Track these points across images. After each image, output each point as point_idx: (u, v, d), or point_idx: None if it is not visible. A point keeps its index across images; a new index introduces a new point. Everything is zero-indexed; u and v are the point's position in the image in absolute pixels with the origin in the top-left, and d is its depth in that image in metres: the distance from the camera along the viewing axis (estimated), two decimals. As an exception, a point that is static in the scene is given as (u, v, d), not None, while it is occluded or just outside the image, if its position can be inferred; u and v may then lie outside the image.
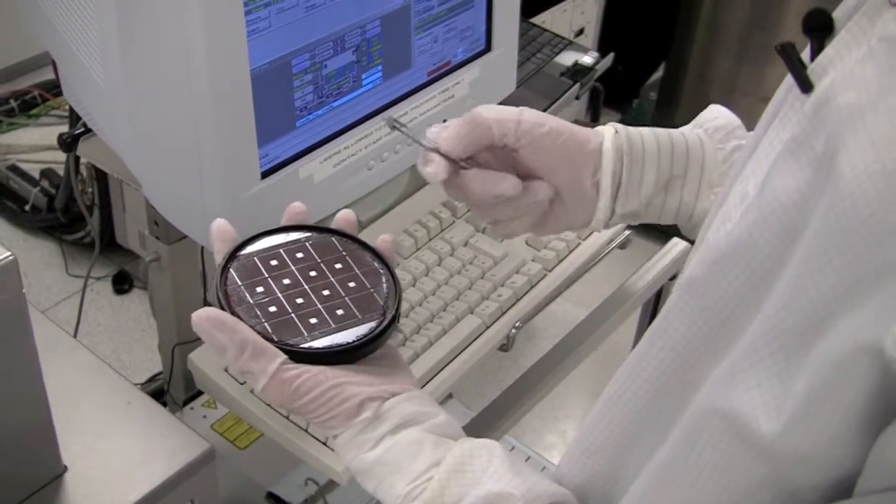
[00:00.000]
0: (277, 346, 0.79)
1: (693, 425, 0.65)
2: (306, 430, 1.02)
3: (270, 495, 1.30)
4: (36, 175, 2.39)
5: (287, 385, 0.78)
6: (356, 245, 0.89)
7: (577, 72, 1.68)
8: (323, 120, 1.14)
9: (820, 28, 0.64)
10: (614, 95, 2.34)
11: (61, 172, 2.29)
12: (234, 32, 0.99)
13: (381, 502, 0.79)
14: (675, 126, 0.98)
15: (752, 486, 0.61)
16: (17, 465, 0.88)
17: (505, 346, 1.15)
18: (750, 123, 0.85)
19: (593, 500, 0.79)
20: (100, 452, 0.94)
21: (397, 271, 1.16)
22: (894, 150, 0.53)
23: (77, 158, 1.73)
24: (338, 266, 0.87)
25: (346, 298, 0.84)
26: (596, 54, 1.73)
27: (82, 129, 1.30)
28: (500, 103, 1.00)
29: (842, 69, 0.60)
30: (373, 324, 0.83)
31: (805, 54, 0.64)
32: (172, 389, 1.41)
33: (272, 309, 0.82)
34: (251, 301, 0.82)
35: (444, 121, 0.93)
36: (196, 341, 1.27)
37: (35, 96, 2.55)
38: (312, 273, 0.86)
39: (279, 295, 0.83)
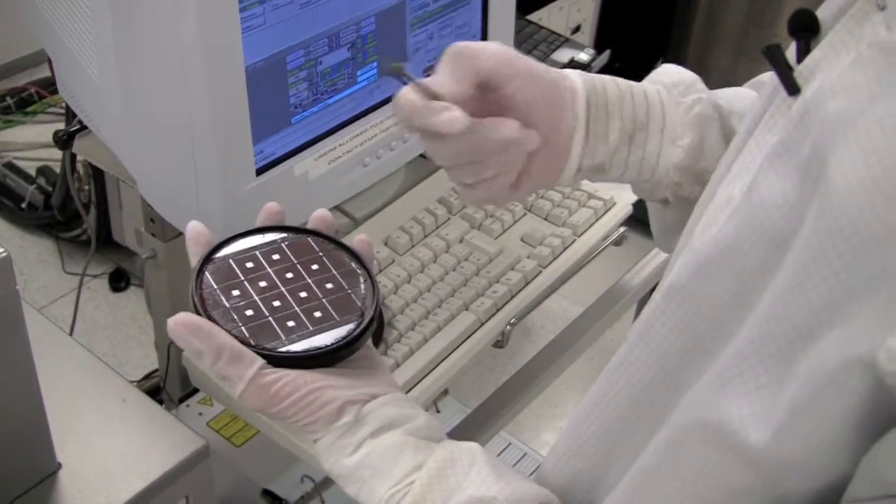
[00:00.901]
0: (255, 351, 0.78)
1: (679, 431, 0.65)
2: (300, 428, 1.02)
3: (266, 492, 1.31)
4: (32, 172, 2.38)
5: (265, 390, 0.77)
6: (333, 245, 0.88)
7: (573, 69, 1.68)
8: (318, 117, 1.14)
9: (806, 29, 0.63)
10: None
11: (58, 170, 2.29)
12: (228, 29, 0.99)
13: None
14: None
15: (738, 493, 0.61)
16: (11, 462, 0.88)
17: (500, 343, 1.15)
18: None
19: (576, 500, 0.79)
20: (94, 450, 0.94)
21: (393, 268, 1.16)
22: (886, 160, 0.53)
23: (73, 156, 1.74)
24: (314, 267, 0.86)
25: (324, 300, 0.83)
26: (592, 51, 1.72)
27: (78, 127, 1.30)
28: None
29: (829, 73, 0.59)
30: (351, 326, 0.82)
31: (790, 53, 0.64)
32: (169, 387, 1.41)
33: (249, 312, 0.81)
34: (227, 305, 0.81)
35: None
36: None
37: (32, 93, 2.54)
38: (289, 275, 0.85)
39: (255, 298, 0.82)
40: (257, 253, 0.86)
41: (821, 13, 0.63)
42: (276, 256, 0.86)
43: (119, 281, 2.36)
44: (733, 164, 0.68)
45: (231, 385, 0.78)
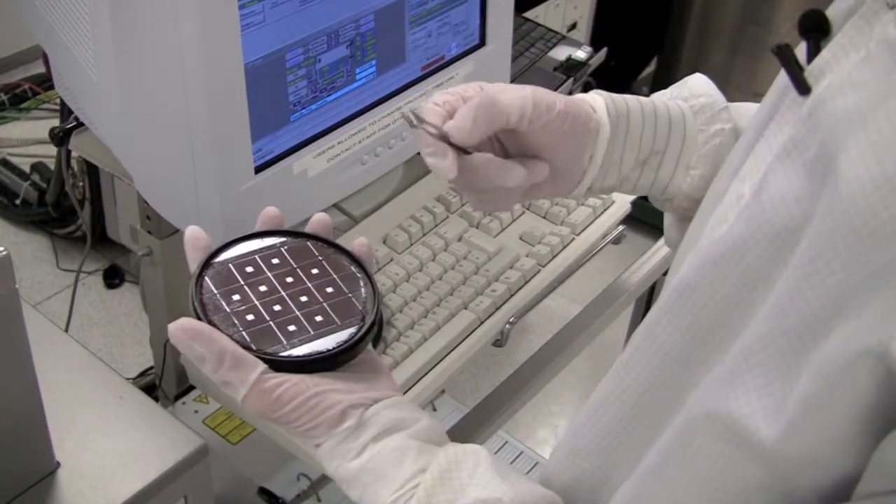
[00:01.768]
0: (256, 356, 0.77)
1: (687, 427, 0.65)
2: (299, 427, 1.02)
3: (262, 490, 1.30)
4: (26, 169, 2.38)
5: (268, 395, 0.76)
6: (332, 249, 0.88)
7: (570, 66, 1.68)
8: (317, 115, 1.13)
9: (816, 29, 0.63)
10: (607, 89, 2.33)
11: (52, 166, 2.28)
12: (228, 27, 0.99)
13: None
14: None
15: (747, 489, 0.61)
16: (9, 461, 0.87)
17: (499, 342, 1.15)
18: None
19: (581, 499, 0.78)
20: (93, 448, 0.93)
21: (392, 266, 1.16)
22: (894, 152, 0.53)
23: (68, 152, 1.73)
24: (315, 271, 0.86)
25: (325, 304, 0.83)
26: (589, 49, 1.72)
27: (74, 123, 1.30)
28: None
29: (839, 72, 0.60)
30: (352, 329, 0.82)
31: (800, 53, 0.64)
32: (164, 384, 1.41)
33: (249, 317, 0.81)
34: (228, 309, 0.81)
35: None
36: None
37: (26, 90, 2.53)
38: (289, 279, 0.84)
39: (256, 302, 0.82)
40: (257, 257, 0.85)
41: (830, 13, 0.63)
42: (275, 261, 0.85)
43: (113, 277, 2.36)
44: (744, 164, 0.68)
45: (233, 390, 0.77)
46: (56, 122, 1.43)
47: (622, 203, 1.32)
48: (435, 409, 1.80)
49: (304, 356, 0.79)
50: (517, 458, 1.95)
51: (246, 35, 1.01)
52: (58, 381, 0.96)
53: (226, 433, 1.36)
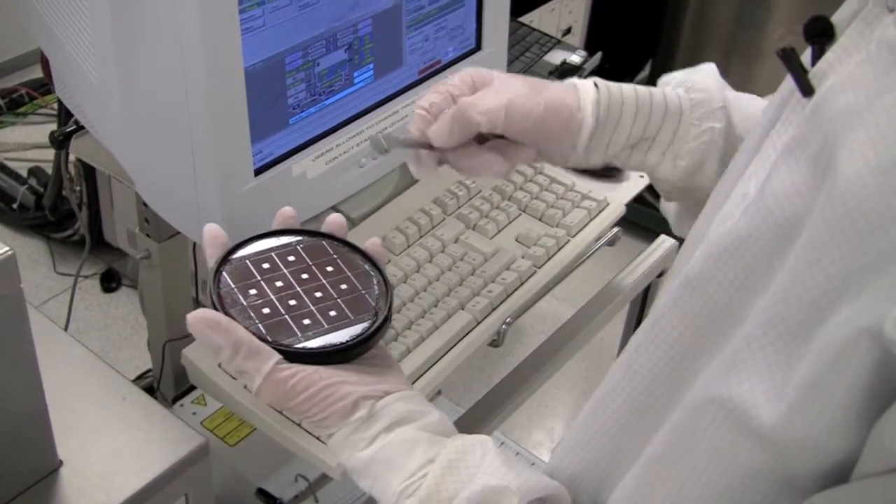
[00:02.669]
0: (272, 347, 0.79)
1: (691, 414, 0.66)
2: (299, 425, 1.03)
3: (260, 491, 1.31)
4: (23, 173, 2.39)
5: (282, 384, 0.78)
6: (346, 248, 0.90)
7: (565, 70, 1.69)
8: (315, 118, 1.15)
9: (821, 34, 0.65)
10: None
11: (49, 171, 2.29)
12: (228, 31, 1.00)
13: (376, 500, 0.80)
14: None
15: (749, 473, 0.63)
16: (13, 459, 0.88)
17: (496, 342, 1.16)
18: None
19: (586, 490, 0.80)
20: (95, 447, 0.94)
21: (389, 268, 1.17)
22: (891, 144, 0.55)
23: (66, 157, 1.74)
24: (329, 269, 0.87)
25: (339, 300, 0.85)
26: (584, 53, 1.74)
27: (74, 127, 1.31)
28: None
29: (841, 73, 0.62)
30: (365, 324, 0.83)
31: (805, 58, 0.66)
32: (162, 387, 1.42)
33: (265, 310, 0.82)
34: (244, 303, 0.83)
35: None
36: (186, 338, 1.27)
37: (23, 95, 2.55)
38: (304, 275, 0.86)
39: (272, 297, 0.84)
40: (273, 254, 0.87)
41: (835, 19, 0.65)
42: (291, 258, 0.87)
43: (110, 281, 2.37)
44: (750, 164, 0.70)
45: (248, 379, 0.79)
46: (53, 127, 1.44)
47: (617, 205, 1.33)
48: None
49: (317, 348, 0.81)
50: (517, 457, 1.96)
51: (246, 39, 1.02)
52: (60, 381, 0.96)
53: (224, 435, 1.37)
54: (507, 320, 1.16)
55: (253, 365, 0.79)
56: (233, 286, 0.84)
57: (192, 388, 1.42)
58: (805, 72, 0.64)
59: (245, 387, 1.05)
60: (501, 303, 1.17)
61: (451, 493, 0.75)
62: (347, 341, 0.82)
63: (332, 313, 0.84)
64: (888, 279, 0.54)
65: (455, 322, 1.13)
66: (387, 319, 0.85)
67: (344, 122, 1.18)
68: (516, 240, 1.25)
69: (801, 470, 0.61)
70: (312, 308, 0.84)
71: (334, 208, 1.23)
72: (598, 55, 1.79)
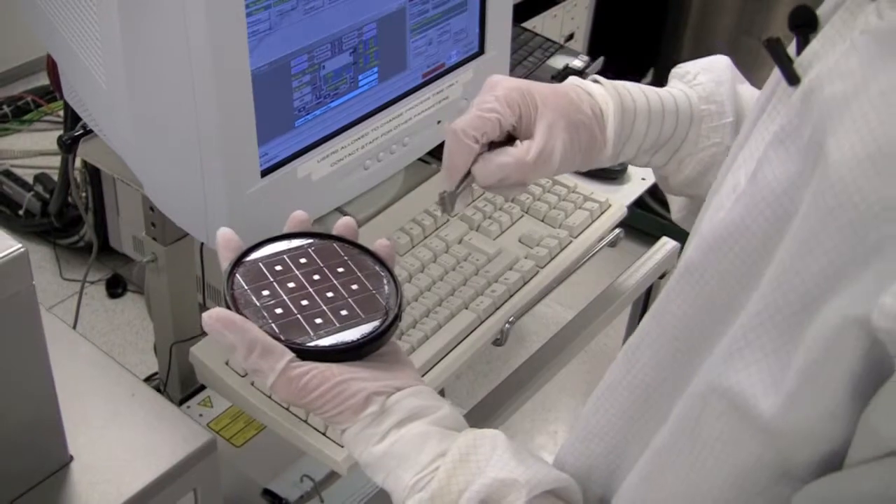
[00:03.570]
0: (285, 345, 0.81)
1: (693, 405, 0.67)
2: (306, 421, 1.04)
3: (266, 492, 1.32)
4: (29, 180, 2.40)
5: (295, 382, 0.80)
6: (357, 250, 0.92)
7: (567, 75, 1.70)
8: (321, 120, 1.16)
9: (805, 24, 0.66)
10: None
11: (55, 177, 2.30)
12: (235, 34, 1.01)
13: (389, 494, 0.81)
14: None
15: (750, 462, 0.63)
16: (26, 454, 0.89)
17: (499, 341, 1.17)
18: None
19: (595, 483, 0.81)
20: (105, 442, 0.95)
21: (394, 268, 1.18)
22: (879, 135, 0.56)
23: (73, 162, 1.75)
24: (340, 270, 0.89)
25: (350, 300, 0.86)
26: (586, 58, 1.75)
27: (82, 131, 1.32)
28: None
29: (826, 62, 0.62)
30: (376, 322, 0.85)
31: (791, 49, 0.67)
32: (169, 389, 1.43)
33: (278, 311, 0.84)
34: (258, 304, 0.84)
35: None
36: (192, 340, 1.28)
37: (28, 102, 2.56)
38: (316, 277, 0.88)
39: (285, 297, 0.85)
40: (285, 257, 0.89)
41: (820, 10, 0.66)
42: (303, 260, 0.89)
43: (116, 287, 2.38)
44: (739, 154, 0.71)
45: (262, 377, 0.80)
46: (59, 134, 1.45)
47: (619, 207, 1.34)
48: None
49: (330, 346, 0.82)
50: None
51: (253, 42, 1.03)
52: (70, 378, 0.97)
53: (230, 436, 1.38)
54: (511, 319, 1.17)
55: (267, 363, 0.80)
56: (246, 287, 0.85)
57: (198, 390, 1.43)
58: (791, 61, 0.65)
59: (252, 384, 1.07)
60: (505, 302, 1.18)
61: (462, 487, 0.76)
62: (359, 339, 0.83)
63: (344, 312, 0.85)
64: (877, 269, 0.55)
65: (459, 321, 1.14)
66: (397, 318, 0.86)
67: (349, 125, 1.19)
68: (519, 241, 1.27)
69: (798, 459, 0.62)
70: (324, 308, 0.85)
71: (339, 210, 1.24)
72: (601, 60, 1.80)
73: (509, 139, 0.98)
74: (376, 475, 0.81)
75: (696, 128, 0.99)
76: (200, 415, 1.40)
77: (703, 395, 0.66)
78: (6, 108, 2.52)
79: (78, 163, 2.07)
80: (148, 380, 1.66)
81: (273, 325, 0.82)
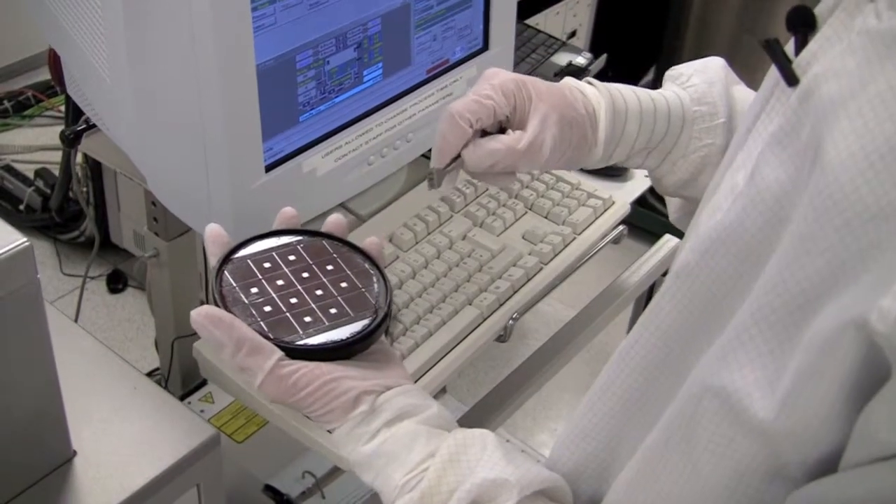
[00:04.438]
0: (274, 344, 0.80)
1: (686, 405, 0.67)
2: (310, 417, 1.04)
3: (268, 488, 1.32)
4: (30, 175, 2.40)
5: (284, 380, 0.79)
6: (346, 247, 0.91)
7: (570, 72, 1.70)
8: (325, 115, 1.16)
9: (803, 24, 0.66)
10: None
11: (56, 172, 2.30)
12: (241, 28, 1.01)
13: (379, 493, 0.80)
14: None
15: (743, 463, 0.63)
16: (29, 449, 0.89)
17: (502, 337, 1.17)
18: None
19: (585, 483, 0.81)
20: (108, 437, 0.95)
21: (398, 264, 1.18)
22: (877, 135, 0.55)
23: (74, 157, 1.75)
24: (329, 267, 0.89)
25: (339, 298, 0.86)
26: (589, 55, 1.75)
27: (85, 126, 1.32)
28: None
29: (824, 62, 0.62)
30: (366, 321, 0.84)
31: (789, 49, 0.67)
32: (170, 384, 1.43)
33: (267, 308, 0.84)
34: (246, 301, 0.84)
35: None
36: (194, 335, 1.28)
37: (29, 97, 2.55)
38: (305, 274, 0.87)
39: (273, 295, 0.85)
40: (274, 254, 0.88)
41: (818, 10, 0.66)
42: (292, 257, 0.88)
43: (116, 282, 2.38)
44: (737, 155, 0.71)
45: (251, 376, 0.80)
46: (60, 129, 1.45)
47: (622, 204, 1.34)
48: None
49: (319, 345, 0.82)
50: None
51: (258, 37, 1.03)
52: (73, 372, 0.97)
53: (231, 432, 1.38)
54: (514, 315, 1.17)
55: (255, 361, 0.80)
56: (234, 285, 0.85)
57: (200, 386, 1.43)
58: (789, 62, 0.65)
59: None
60: (508, 298, 1.18)
61: (452, 486, 0.76)
62: (348, 338, 0.83)
63: (333, 311, 0.85)
64: (874, 271, 0.55)
65: (463, 317, 1.14)
66: (387, 316, 0.86)
67: (353, 120, 1.19)
68: (523, 237, 1.26)
69: (791, 460, 0.61)
70: (313, 306, 0.85)
71: (343, 205, 1.24)
72: (604, 57, 1.80)
73: (501, 131, 0.99)
74: (366, 474, 0.80)
75: (689, 129, 1.00)
76: (202, 411, 1.40)
77: (697, 394, 0.66)
78: (7, 104, 2.52)
79: (79, 158, 2.07)
80: (149, 375, 1.65)
81: (262, 322, 0.82)
